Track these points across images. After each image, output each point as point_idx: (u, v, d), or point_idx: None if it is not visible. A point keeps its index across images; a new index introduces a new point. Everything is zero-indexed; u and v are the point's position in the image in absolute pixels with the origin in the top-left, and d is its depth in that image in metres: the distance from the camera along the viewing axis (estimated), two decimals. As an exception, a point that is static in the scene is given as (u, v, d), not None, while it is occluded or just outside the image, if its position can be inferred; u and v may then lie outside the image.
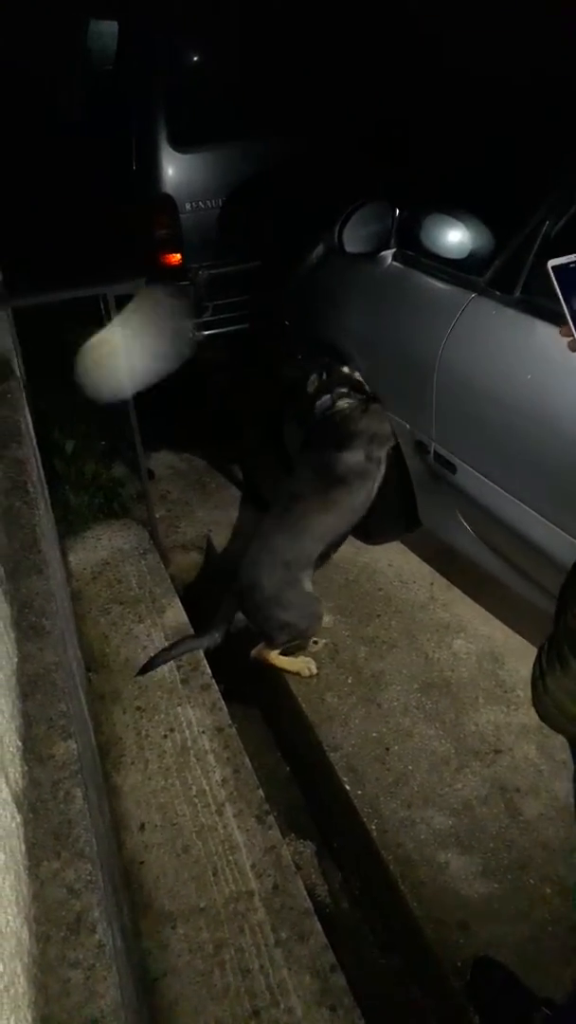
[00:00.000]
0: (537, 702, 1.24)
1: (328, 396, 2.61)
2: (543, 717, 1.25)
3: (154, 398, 2.78)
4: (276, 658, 2.50)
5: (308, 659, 2.53)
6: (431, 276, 2.38)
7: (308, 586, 2.47)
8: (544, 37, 3.17)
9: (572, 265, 1.04)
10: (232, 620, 2.45)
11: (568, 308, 1.03)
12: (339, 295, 2.85)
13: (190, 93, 3.81)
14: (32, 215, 5.47)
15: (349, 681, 2.53)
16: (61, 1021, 0.89)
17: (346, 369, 2.69)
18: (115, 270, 2.80)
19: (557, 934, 1.82)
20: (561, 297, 1.04)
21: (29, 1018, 0.85)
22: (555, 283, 1.04)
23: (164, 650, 2.38)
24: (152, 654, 2.37)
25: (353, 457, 2.49)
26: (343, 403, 2.59)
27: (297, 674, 2.50)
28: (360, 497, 2.52)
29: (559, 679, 1.17)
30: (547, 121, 2.36)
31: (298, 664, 2.51)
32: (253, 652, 2.50)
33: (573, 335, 1.04)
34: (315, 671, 2.51)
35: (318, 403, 2.63)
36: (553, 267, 1.04)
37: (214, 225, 3.83)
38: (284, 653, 2.52)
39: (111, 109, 4.29)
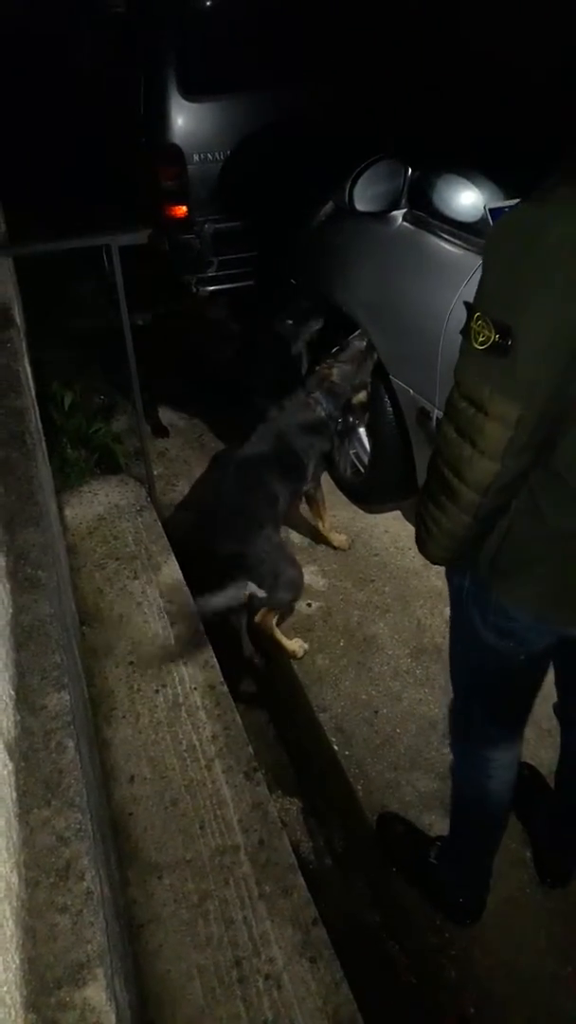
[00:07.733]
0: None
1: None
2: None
3: (158, 356, 2.75)
4: (275, 630, 2.50)
5: (302, 641, 2.54)
6: (442, 239, 2.34)
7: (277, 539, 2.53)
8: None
9: (507, 209, 1.08)
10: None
11: None
12: (347, 255, 2.80)
13: (202, 39, 3.69)
14: (36, 163, 5.36)
15: (341, 644, 2.54)
16: (48, 963, 0.91)
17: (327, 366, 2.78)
18: (120, 221, 2.75)
19: (534, 896, 1.87)
20: None
21: (17, 960, 0.86)
22: (491, 223, 1.08)
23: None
24: (146, 610, 2.38)
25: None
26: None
27: (292, 655, 2.51)
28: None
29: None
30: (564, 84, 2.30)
31: (292, 645, 2.52)
32: (256, 617, 2.49)
33: None
34: (306, 648, 2.53)
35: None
36: (490, 209, 1.11)
37: (222, 178, 3.75)
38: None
39: (121, 53, 4.17)
